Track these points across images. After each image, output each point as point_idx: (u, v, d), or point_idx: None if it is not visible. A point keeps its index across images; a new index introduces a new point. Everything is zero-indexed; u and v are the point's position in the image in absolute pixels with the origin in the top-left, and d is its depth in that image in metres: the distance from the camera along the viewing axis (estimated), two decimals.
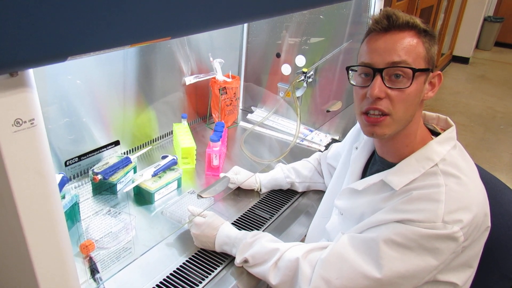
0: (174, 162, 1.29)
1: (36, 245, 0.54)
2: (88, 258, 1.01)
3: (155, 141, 1.58)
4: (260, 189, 1.32)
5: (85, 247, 1.00)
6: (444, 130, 0.90)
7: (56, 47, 0.48)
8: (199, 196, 1.15)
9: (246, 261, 0.97)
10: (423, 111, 0.91)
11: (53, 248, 0.57)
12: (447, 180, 0.80)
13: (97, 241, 1.03)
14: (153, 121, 1.54)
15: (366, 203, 0.91)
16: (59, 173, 1.14)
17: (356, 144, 1.02)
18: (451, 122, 0.91)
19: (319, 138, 1.67)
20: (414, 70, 0.79)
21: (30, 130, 0.50)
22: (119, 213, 1.13)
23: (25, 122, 0.49)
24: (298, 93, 1.63)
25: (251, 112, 1.87)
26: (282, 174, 1.32)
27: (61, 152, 1.24)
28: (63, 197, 1.06)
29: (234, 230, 1.03)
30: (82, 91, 1.25)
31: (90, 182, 1.23)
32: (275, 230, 1.19)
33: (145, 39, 0.59)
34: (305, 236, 1.22)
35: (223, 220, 1.07)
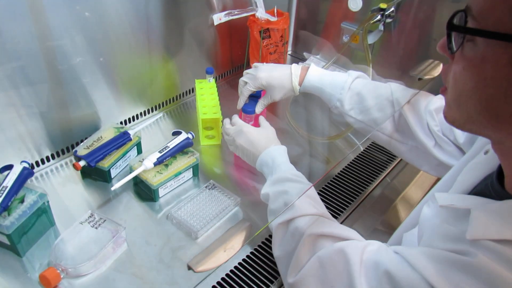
0: (188, 143, 0.92)
1: None
2: None
3: (177, 99, 1.21)
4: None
5: (46, 280, 0.69)
6: None
7: None
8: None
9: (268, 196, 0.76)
10: None
11: None
12: None
13: (67, 266, 0.71)
14: (174, 73, 1.15)
15: (433, 230, 0.54)
16: (22, 162, 0.80)
17: (487, 146, 0.59)
18: None
19: None
20: (463, 29, 0.43)
21: None
22: (104, 220, 0.80)
23: None
24: (371, 38, 1.16)
25: (303, 60, 1.42)
26: (334, 93, 0.89)
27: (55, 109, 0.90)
28: (21, 201, 0.73)
29: (282, 157, 0.81)
30: (91, 27, 0.90)
31: None
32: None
33: None
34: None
35: (278, 142, 0.86)
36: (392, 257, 0.52)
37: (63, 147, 0.97)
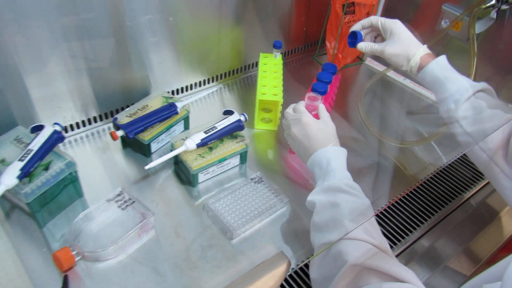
0: (239, 126, 0.80)
1: None
2: (64, 276, 0.63)
3: (240, 72, 1.09)
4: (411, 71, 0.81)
5: (58, 261, 0.62)
6: None
7: None
8: None
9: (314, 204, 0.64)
10: None
11: None
12: None
13: (85, 249, 0.63)
14: (240, 43, 1.03)
15: None
16: (54, 124, 0.73)
17: None
18: None
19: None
20: None
21: None
22: (133, 202, 0.71)
23: None
24: (478, 27, 0.94)
25: None
26: (453, 93, 0.74)
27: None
28: (46, 168, 0.66)
29: (340, 161, 0.68)
30: None
31: None
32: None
33: None
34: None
35: (338, 141, 0.72)
36: None
37: (108, 110, 0.89)
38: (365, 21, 0.84)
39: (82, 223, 0.67)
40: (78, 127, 0.87)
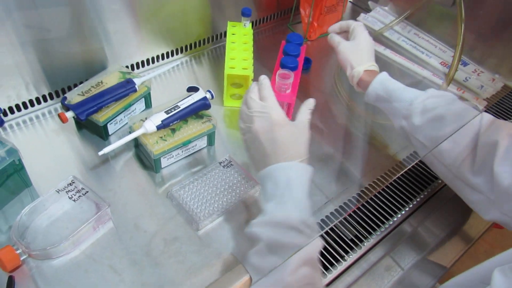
0: (205, 105, 0.72)
1: None
2: (8, 277, 0.56)
3: (208, 42, 1.00)
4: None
5: (0, 261, 0.55)
6: None
7: None
8: None
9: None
10: None
11: None
12: None
13: (31, 248, 0.57)
14: (207, 9, 0.94)
15: None
16: None
17: None
18: None
19: (479, 81, 0.95)
20: None
21: None
22: (86, 192, 0.64)
23: None
24: None
25: (367, 11, 1.15)
26: (405, 103, 0.69)
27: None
28: None
29: (303, 185, 0.54)
30: None
31: None
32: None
33: None
34: None
35: (307, 156, 0.57)
36: None
37: (59, 88, 0.80)
38: (343, 24, 0.83)
39: (28, 218, 0.60)
40: (26, 107, 0.78)
